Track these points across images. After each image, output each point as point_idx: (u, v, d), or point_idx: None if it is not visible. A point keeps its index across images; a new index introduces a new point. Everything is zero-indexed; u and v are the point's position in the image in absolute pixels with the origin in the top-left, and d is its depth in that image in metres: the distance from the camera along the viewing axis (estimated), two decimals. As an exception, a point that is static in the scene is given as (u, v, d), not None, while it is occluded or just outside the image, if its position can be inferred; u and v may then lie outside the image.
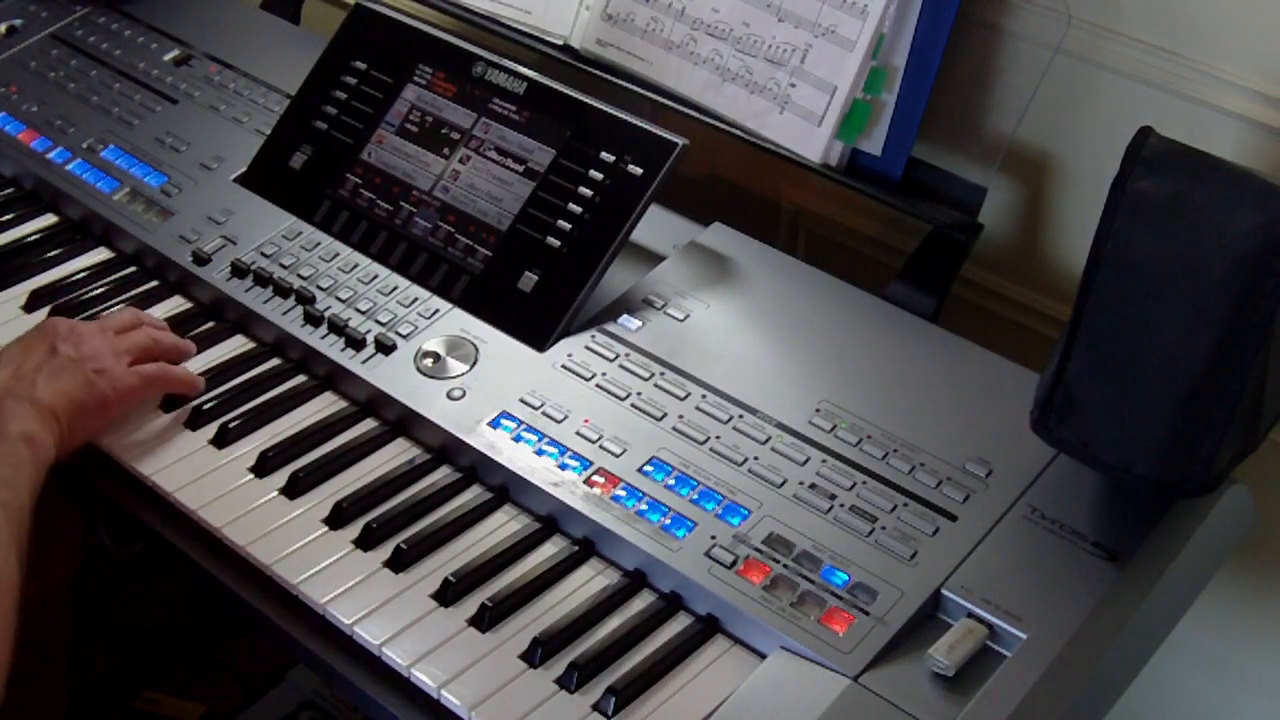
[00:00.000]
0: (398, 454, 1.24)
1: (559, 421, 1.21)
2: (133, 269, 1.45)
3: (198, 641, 1.92)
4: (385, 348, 1.29)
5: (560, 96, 1.37)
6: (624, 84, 1.46)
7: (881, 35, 1.32)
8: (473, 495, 1.20)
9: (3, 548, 1.07)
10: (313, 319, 1.33)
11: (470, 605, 1.10)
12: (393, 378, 1.27)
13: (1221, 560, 1.16)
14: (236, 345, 1.36)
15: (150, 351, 1.28)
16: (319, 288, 1.35)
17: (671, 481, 1.15)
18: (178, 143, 1.54)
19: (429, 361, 1.27)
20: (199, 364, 1.33)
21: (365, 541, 1.15)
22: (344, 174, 1.43)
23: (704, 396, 1.22)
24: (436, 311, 1.32)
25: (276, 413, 1.27)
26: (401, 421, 1.26)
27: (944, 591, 1.06)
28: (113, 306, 1.39)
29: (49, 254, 1.47)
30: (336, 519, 1.17)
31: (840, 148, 1.36)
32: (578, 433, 1.20)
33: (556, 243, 1.31)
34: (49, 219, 1.53)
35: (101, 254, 1.48)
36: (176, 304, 1.41)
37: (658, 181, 1.30)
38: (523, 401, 1.23)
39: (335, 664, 1.10)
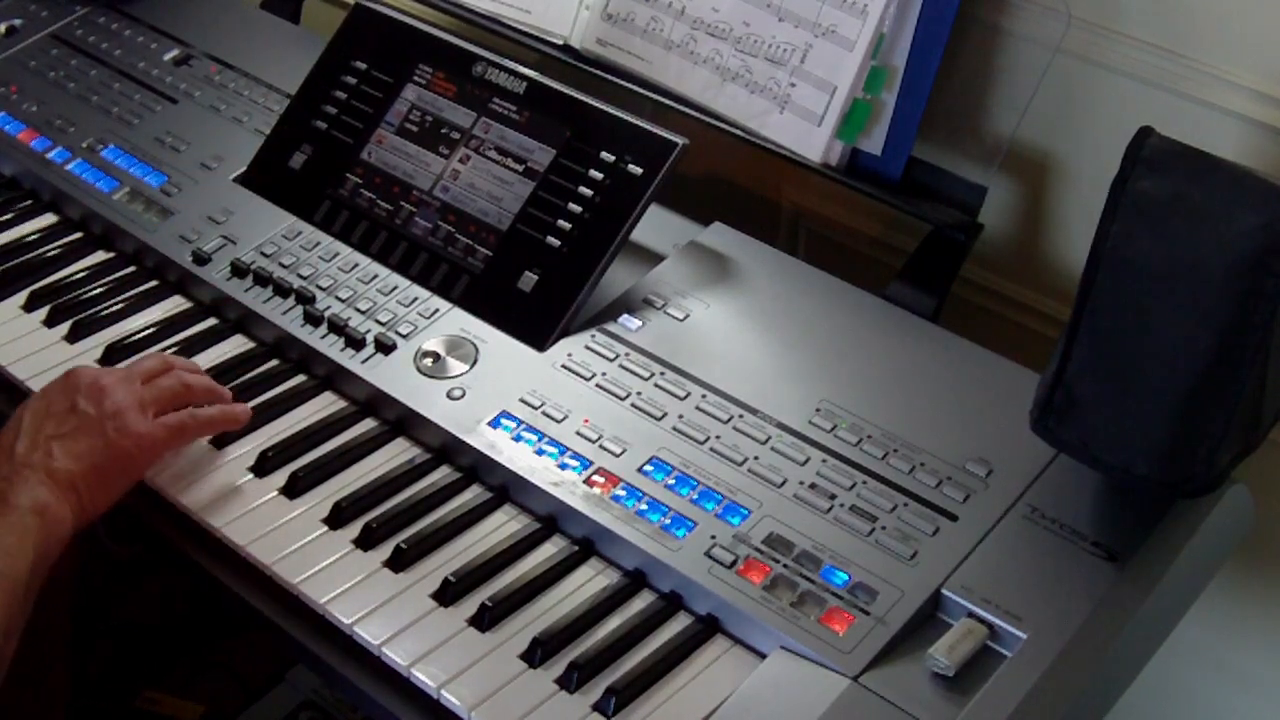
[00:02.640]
0: (398, 454, 1.24)
1: (559, 421, 1.21)
2: (133, 269, 1.45)
3: (198, 641, 1.92)
4: (385, 347, 1.29)
5: (560, 96, 1.37)
6: (624, 84, 1.46)
7: (881, 35, 1.32)
8: (473, 495, 1.20)
9: None
10: (312, 319, 1.33)
11: (470, 605, 1.10)
12: (393, 377, 1.27)
13: (1221, 560, 1.16)
14: (236, 345, 1.36)
15: (181, 397, 1.21)
16: (319, 287, 1.35)
17: (671, 481, 1.15)
18: (178, 143, 1.53)
19: (429, 361, 1.27)
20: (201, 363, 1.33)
21: (365, 541, 1.15)
22: (344, 174, 1.43)
23: (704, 396, 1.22)
24: (436, 311, 1.32)
25: (276, 413, 1.27)
26: (401, 421, 1.26)
27: (944, 591, 1.06)
28: (112, 306, 1.39)
29: (49, 254, 1.47)
30: (336, 519, 1.17)
31: (840, 147, 1.36)
32: (578, 432, 1.19)
33: (556, 242, 1.31)
34: (49, 219, 1.53)
35: (101, 254, 1.48)
36: (176, 304, 1.41)
37: (658, 181, 1.30)
38: (523, 401, 1.23)
39: (335, 664, 1.10)
